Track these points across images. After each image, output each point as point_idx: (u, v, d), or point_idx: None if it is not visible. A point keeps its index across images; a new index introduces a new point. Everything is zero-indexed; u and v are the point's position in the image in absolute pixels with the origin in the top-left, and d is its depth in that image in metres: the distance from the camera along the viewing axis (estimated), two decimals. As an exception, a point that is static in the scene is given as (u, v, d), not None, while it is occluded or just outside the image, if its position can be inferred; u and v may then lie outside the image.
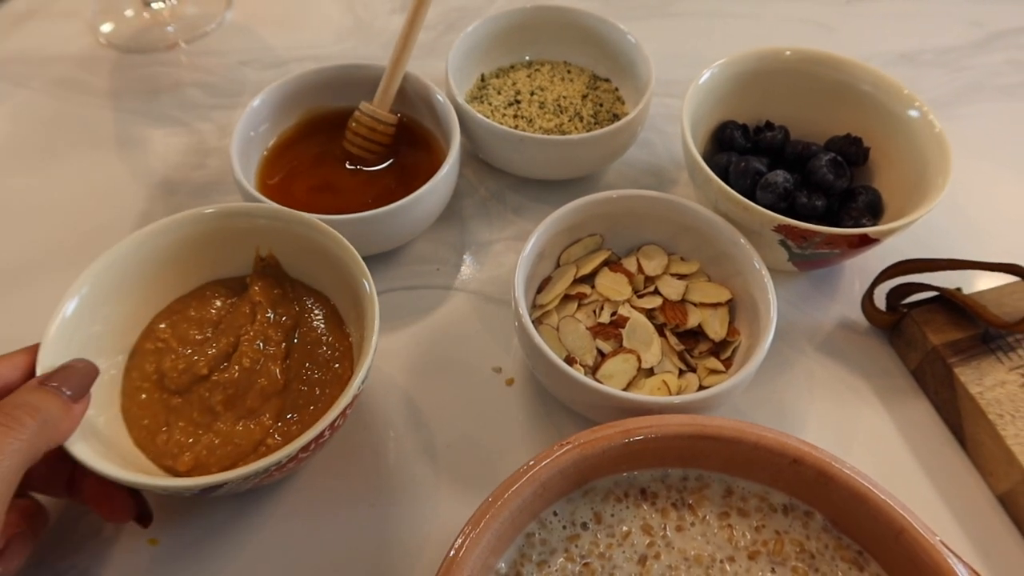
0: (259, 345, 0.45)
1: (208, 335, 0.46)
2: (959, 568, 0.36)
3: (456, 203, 0.59)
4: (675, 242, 0.53)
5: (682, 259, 0.53)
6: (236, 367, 0.44)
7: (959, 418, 0.48)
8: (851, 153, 0.56)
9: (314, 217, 0.46)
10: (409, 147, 0.59)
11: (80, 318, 0.42)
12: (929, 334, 0.50)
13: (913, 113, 0.54)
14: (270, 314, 0.47)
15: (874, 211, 0.55)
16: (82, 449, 0.37)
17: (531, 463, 0.39)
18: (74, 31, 0.73)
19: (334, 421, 0.39)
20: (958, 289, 0.51)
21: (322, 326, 0.47)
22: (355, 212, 0.50)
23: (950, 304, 0.51)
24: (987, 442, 0.47)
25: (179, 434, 0.42)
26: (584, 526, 0.41)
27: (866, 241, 0.49)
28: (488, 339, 0.52)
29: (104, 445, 0.40)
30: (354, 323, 0.47)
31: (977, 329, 0.50)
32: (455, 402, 0.50)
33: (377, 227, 0.51)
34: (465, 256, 0.57)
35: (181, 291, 0.48)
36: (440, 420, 0.49)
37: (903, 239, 0.56)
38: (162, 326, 0.46)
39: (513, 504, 0.38)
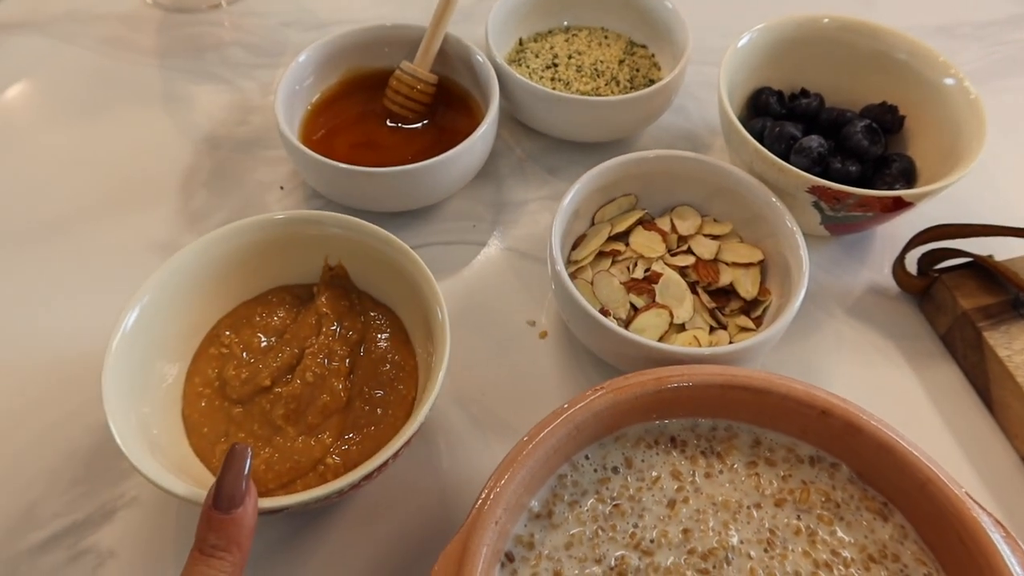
0: (323, 360, 0.44)
1: (272, 343, 0.45)
2: (983, 517, 0.37)
3: (492, 162, 0.60)
4: (708, 203, 0.54)
5: (715, 220, 0.53)
6: (299, 380, 0.43)
7: (987, 381, 0.49)
8: (886, 121, 0.57)
9: (388, 234, 0.45)
10: (448, 107, 0.60)
11: (141, 328, 0.41)
12: (960, 298, 0.50)
13: (949, 81, 0.55)
14: (336, 327, 0.46)
15: (908, 178, 0.55)
16: (142, 459, 0.37)
17: (565, 406, 0.40)
18: (121, -10, 0.74)
19: (398, 451, 0.38)
20: (990, 256, 0.52)
21: (388, 342, 0.46)
22: (396, 166, 0.51)
23: (981, 270, 0.51)
24: (1014, 404, 0.47)
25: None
26: (615, 470, 0.42)
27: (900, 204, 0.49)
28: (522, 294, 0.54)
29: (162, 453, 0.40)
30: (420, 341, 0.46)
31: (1008, 295, 0.50)
32: (490, 353, 0.51)
33: (416, 182, 0.52)
34: (500, 214, 0.58)
35: (247, 295, 0.47)
36: (476, 370, 0.50)
37: (934, 206, 0.56)
38: (227, 332, 0.46)
39: (548, 444, 0.39)
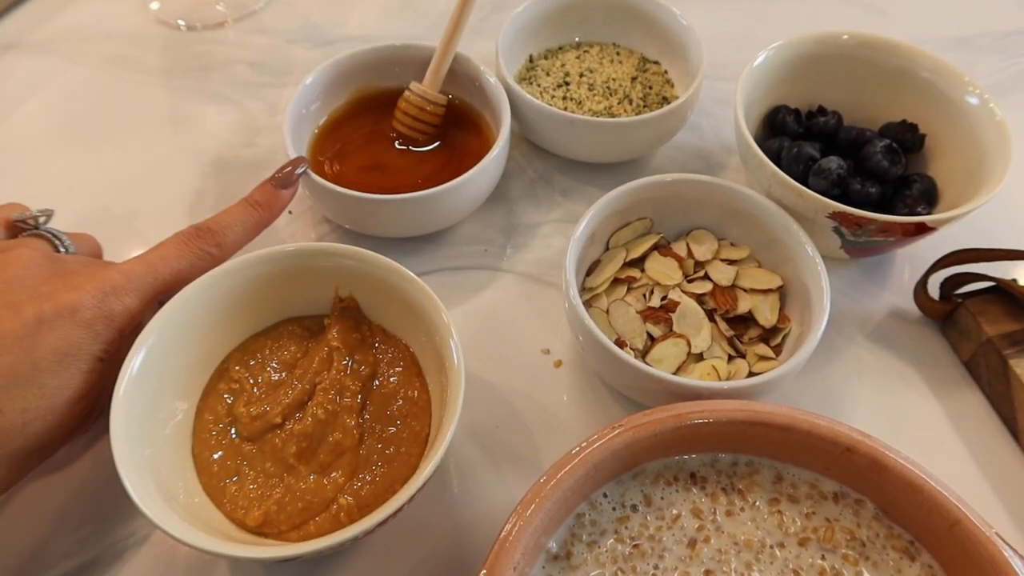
0: (334, 395, 0.43)
1: (283, 378, 0.45)
2: (1015, 561, 0.36)
3: (504, 184, 0.59)
4: (725, 227, 0.53)
5: (732, 244, 0.52)
6: (310, 417, 0.42)
7: (1013, 410, 0.48)
8: (906, 140, 0.56)
9: (398, 265, 0.44)
10: (458, 128, 0.60)
11: (148, 369, 0.40)
12: (984, 324, 0.49)
13: (972, 100, 0.53)
14: (347, 361, 0.45)
15: (929, 199, 0.54)
16: (157, 510, 0.36)
17: (583, 444, 0.39)
18: (125, 8, 0.73)
19: (413, 495, 0.37)
20: (1014, 280, 0.50)
21: (400, 376, 0.45)
22: (405, 192, 0.50)
23: (1006, 295, 0.50)
24: (1042, 435, 0.46)
25: (250, 485, 0.41)
26: (634, 508, 0.41)
27: (922, 229, 0.48)
28: (536, 321, 0.53)
29: (173, 496, 0.39)
30: (433, 374, 0.45)
31: (1034, 321, 0.49)
32: (504, 383, 0.50)
33: (427, 208, 0.52)
34: (512, 238, 0.57)
35: (256, 328, 0.47)
36: (489, 401, 0.49)
37: (957, 228, 0.55)
38: (237, 367, 0.45)
39: (565, 485, 0.38)
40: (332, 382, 0.44)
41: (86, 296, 0.37)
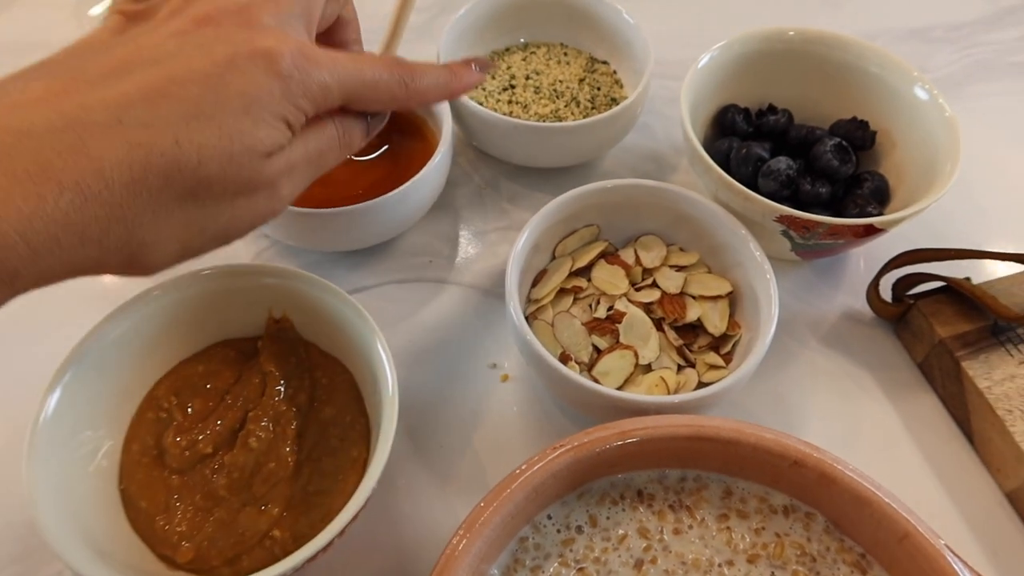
0: (268, 424, 0.41)
1: (215, 406, 0.43)
2: (964, 572, 0.35)
3: (449, 193, 0.58)
4: (674, 232, 0.51)
5: (681, 249, 0.51)
6: (243, 447, 0.41)
7: (967, 413, 0.47)
8: (857, 137, 0.55)
9: (328, 283, 0.43)
10: (402, 135, 0.58)
11: (66, 407, 0.39)
12: (936, 326, 0.48)
13: (922, 95, 0.52)
14: (281, 387, 0.43)
15: (880, 198, 0.53)
16: (66, 546, 0.34)
17: (523, 467, 0.38)
18: (59, 17, 0.71)
19: (344, 528, 0.36)
20: (967, 279, 0.50)
21: (338, 401, 0.44)
22: (347, 203, 0.48)
23: (958, 295, 0.49)
24: (995, 438, 0.45)
25: (180, 519, 0.39)
26: (579, 529, 0.40)
27: (871, 231, 0.47)
28: (483, 334, 0.51)
29: (95, 538, 0.37)
30: (372, 398, 0.43)
31: (986, 321, 0.48)
32: (449, 400, 0.48)
33: (367, 220, 0.50)
34: (459, 247, 0.56)
35: (187, 353, 0.45)
36: (433, 419, 0.48)
37: (911, 225, 0.54)
38: (166, 395, 0.43)
39: (505, 509, 0.37)
40: (266, 409, 0.42)
41: (286, 48, 0.33)
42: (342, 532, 0.36)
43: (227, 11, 0.33)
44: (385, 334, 0.50)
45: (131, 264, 0.31)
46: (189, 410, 0.43)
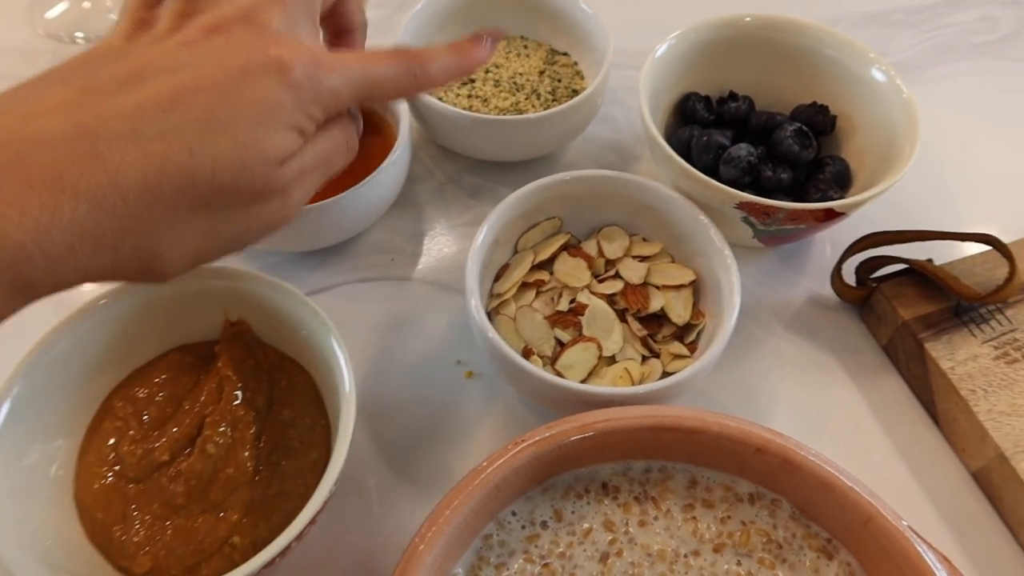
0: (226, 428, 0.40)
1: (171, 412, 0.42)
2: (928, 555, 0.35)
3: (411, 189, 0.57)
4: (637, 222, 0.51)
5: (644, 239, 0.51)
6: (200, 453, 0.40)
7: (931, 394, 0.47)
8: (817, 122, 0.55)
9: (281, 282, 0.42)
10: (363, 132, 0.57)
11: (16, 420, 0.38)
12: (899, 308, 0.48)
13: (880, 77, 0.52)
14: (239, 391, 0.42)
15: (842, 182, 0.53)
16: (25, 569, 0.34)
17: (483, 464, 0.37)
18: (11, 22, 0.70)
19: (302, 531, 0.35)
20: (929, 260, 0.50)
21: (298, 403, 0.43)
22: (307, 202, 0.48)
23: (921, 277, 0.49)
24: (959, 418, 0.45)
25: (137, 529, 0.38)
26: (544, 525, 0.39)
27: (832, 215, 0.47)
28: (447, 331, 0.51)
29: (50, 553, 0.36)
30: (331, 400, 0.42)
31: (949, 302, 0.48)
32: (414, 399, 0.48)
33: (326, 219, 0.49)
34: (421, 244, 0.55)
35: (143, 360, 0.44)
36: (400, 418, 0.47)
37: (876, 207, 0.54)
38: (121, 403, 0.42)
39: (466, 507, 0.36)
40: (223, 413, 0.41)
41: (297, 57, 0.33)
42: (300, 536, 0.35)
43: (235, 18, 0.33)
44: (348, 334, 0.50)
45: (145, 271, 0.31)
46: (145, 418, 0.42)
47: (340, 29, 0.43)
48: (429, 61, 0.38)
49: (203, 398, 0.42)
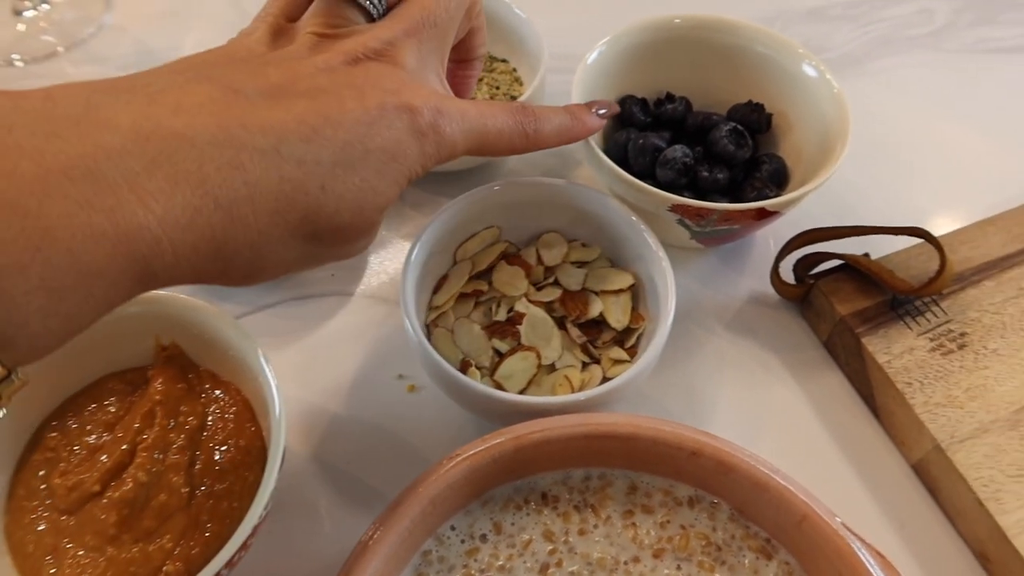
0: (158, 455, 0.40)
1: (103, 441, 0.41)
2: (862, 552, 0.35)
3: (351, 203, 0.57)
4: (575, 228, 0.51)
5: (584, 245, 0.51)
6: (131, 481, 0.39)
7: (870, 388, 0.47)
8: (753, 120, 0.55)
9: (214, 307, 0.42)
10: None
11: None
12: (836, 304, 0.48)
13: (811, 73, 0.53)
14: (171, 415, 0.41)
15: (779, 180, 0.53)
16: None
17: (417, 481, 0.37)
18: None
19: (232, 558, 0.35)
20: (866, 255, 0.50)
21: (232, 425, 0.42)
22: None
23: (857, 272, 0.50)
24: (897, 412, 0.46)
25: (71, 562, 0.38)
26: (483, 538, 0.39)
27: (766, 214, 0.47)
28: (388, 345, 0.50)
29: None
30: (266, 421, 0.42)
31: (884, 296, 0.49)
32: (356, 416, 0.47)
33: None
34: (361, 258, 0.55)
35: (74, 388, 0.43)
36: (340, 436, 0.47)
37: (816, 203, 0.54)
38: (52, 434, 0.41)
39: (400, 526, 0.36)
40: (156, 440, 0.40)
41: (425, 103, 0.33)
42: (231, 562, 0.35)
43: (374, 50, 0.34)
44: (287, 352, 0.50)
45: (244, 279, 0.31)
46: (76, 448, 0.41)
47: (461, 59, 0.44)
48: (543, 120, 0.39)
49: (135, 424, 0.41)
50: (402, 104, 0.33)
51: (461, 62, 0.44)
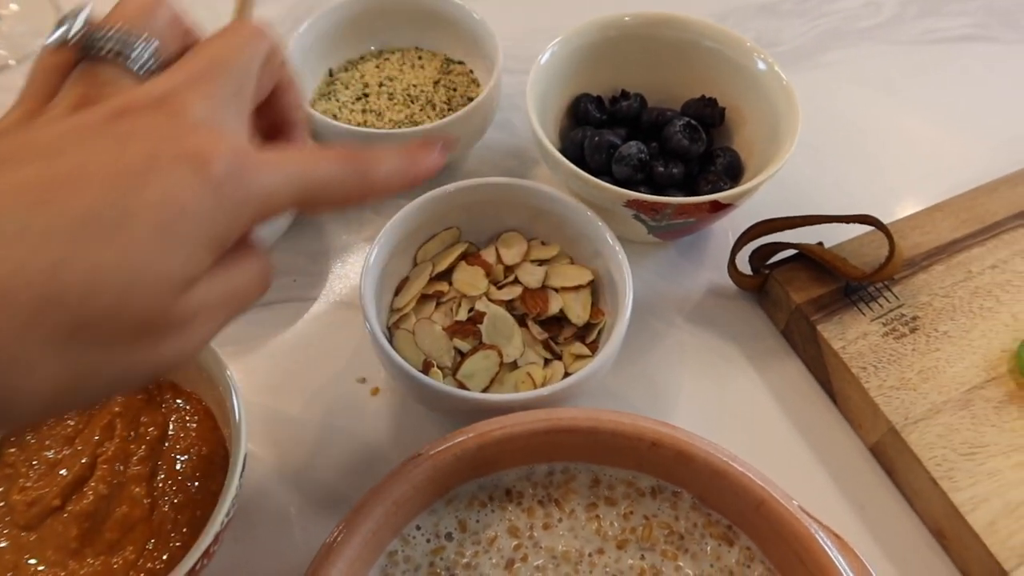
0: (119, 466, 0.40)
1: (62, 455, 0.41)
2: (819, 534, 0.36)
3: (310, 208, 0.57)
4: (534, 226, 0.51)
5: (543, 243, 0.51)
6: (92, 494, 0.39)
7: (827, 374, 0.48)
8: (707, 115, 0.56)
9: None
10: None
11: None
12: (792, 293, 0.49)
13: (761, 66, 0.54)
14: (131, 427, 0.41)
15: (733, 173, 0.54)
16: None
17: (381, 482, 0.37)
18: None
19: (195, 565, 0.35)
20: (820, 244, 0.51)
21: (194, 434, 0.42)
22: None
23: (812, 261, 0.50)
24: (853, 396, 0.47)
25: None
26: (449, 536, 0.39)
27: (719, 207, 0.48)
28: (350, 349, 0.50)
29: None
30: (228, 429, 0.42)
31: (838, 283, 0.50)
32: (320, 420, 0.47)
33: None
34: (322, 263, 0.55)
35: None
36: (303, 441, 0.47)
37: (771, 195, 0.55)
38: (11, 449, 0.41)
39: (364, 527, 0.36)
40: (116, 451, 0.40)
41: (220, 149, 0.26)
42: (194, 570, 0.35)
43: (148, 100, 0.27)
44: (248, 359, 0.50)
45: None
46: (35, 463, 0.41)
47: (274, 125, 0.36)
48: (376, 163, 0.33)
49: (95, 437, 0.41)
50: (184, 152, 0.26)
51: (275, 129, 0.36)
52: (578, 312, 0.48)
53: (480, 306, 0.47)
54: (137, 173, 0.25)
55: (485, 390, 0.45)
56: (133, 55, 0.29)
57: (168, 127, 0.27)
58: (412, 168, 0.35)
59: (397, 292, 0.49)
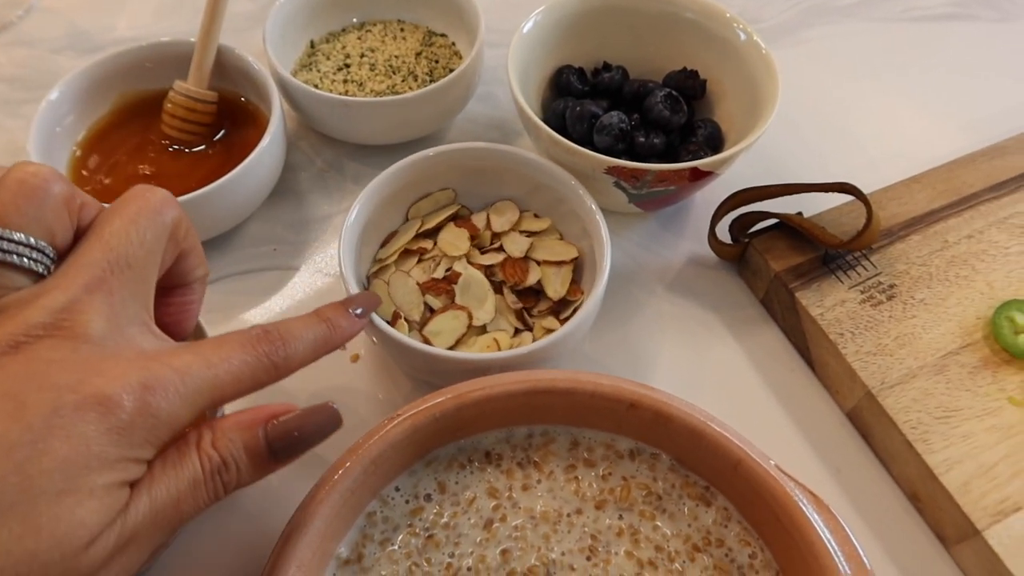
0: None
1: None
2: (795, 492, 0.36)
3: (290, 177, 0.56)
4: (531, 199, 0.51)
5: (536, 216, 0.51)
6: None
7: (805, 341, 0.49)
8: (688, 87, 0.56)
9: None
10: (235, 124, 0.56)
11: None
12: (771, 261, 0.50)
13: (740, 37, 0.54)
14: None
15: (714, 144, 0.54)
16: None
17: (359, 441, 0.37)
18: None
19: None
20: (799, 213, 0.51)
21: None
22: (179, 196, 0.47)
23: (791, 230, 0.51)
24: (831, 362, 0.47)
25: None
26: (428, 498, 0.39)
27: (699, 175, 0.48)
28: (332, 316, 0.50)
29: None
30: None
31: (817, 252, 0.50)
32: (298, 387, 0.47)
33: (199, 210, 0.48)
34: (303, 233, 0.54)
35: None
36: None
37: (751, 166, 0.56)
38: None
39: (342, 486, 0.36)
40: None
41: (124, 387, 0.26)
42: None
43: (44, 320, 0.26)
44: (229, 327, 0.49)
45: None
46: None
47: (174, 286, 0.36)
48: (293, 342, 0.33)
49: None
50: (88, 398, 0.25)
51: (175, 288, 0.36)
52: (556, 287, 0.47)
53: (458, 267, 0.47)
54: (39, 436, 0.24)
55: (450, 349, 0.45)
56: (17, 260, 0.28)
57: (69, 364, 0.26)
58: (332, 334, 0.36)
59: (384, 244, 0.49)
